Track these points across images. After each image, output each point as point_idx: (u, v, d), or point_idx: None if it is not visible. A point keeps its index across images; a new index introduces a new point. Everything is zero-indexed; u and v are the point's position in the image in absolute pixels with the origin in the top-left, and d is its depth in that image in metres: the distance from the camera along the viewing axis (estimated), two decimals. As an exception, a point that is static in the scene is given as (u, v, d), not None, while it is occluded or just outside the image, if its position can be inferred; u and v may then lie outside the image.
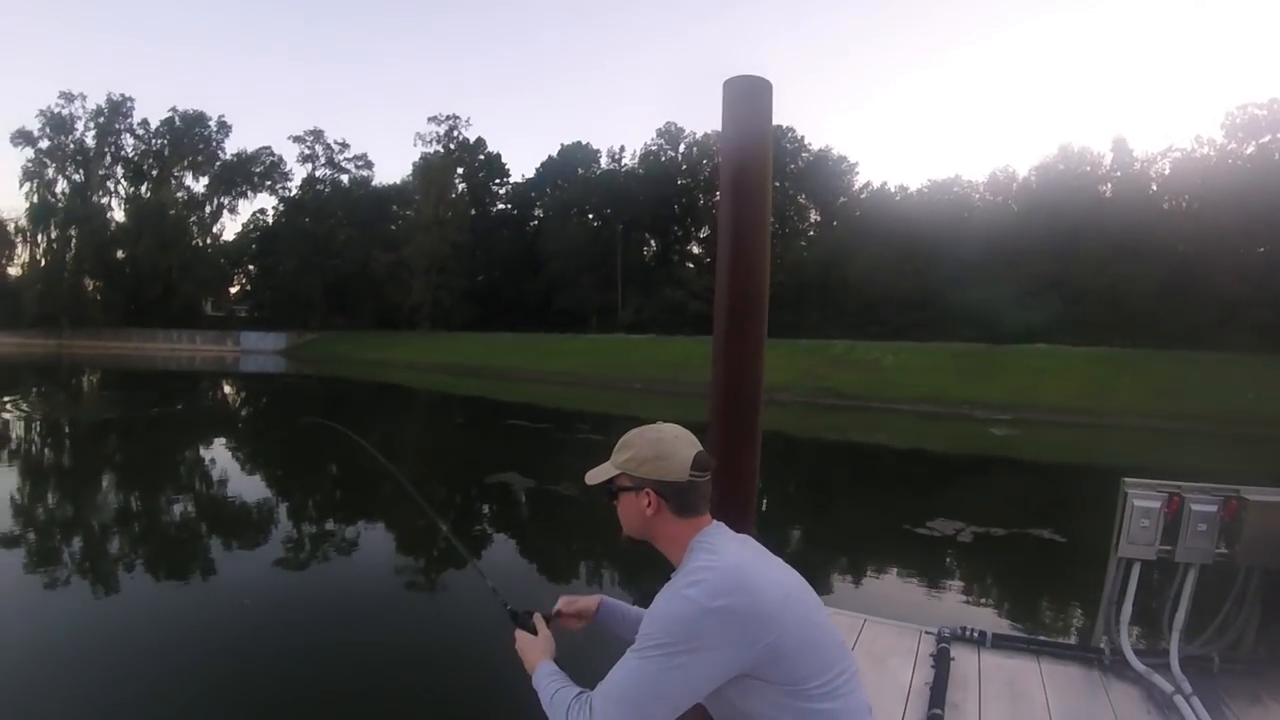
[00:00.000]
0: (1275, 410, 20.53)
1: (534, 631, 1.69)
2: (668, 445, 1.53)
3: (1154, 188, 41.60)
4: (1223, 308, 32.09)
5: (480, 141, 63.70)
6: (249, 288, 66.58)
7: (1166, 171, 41.91)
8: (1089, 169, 42.90)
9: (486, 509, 11.18)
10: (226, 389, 31.44)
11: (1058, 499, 12.68)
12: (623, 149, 60.60)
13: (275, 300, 60.88)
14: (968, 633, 4.05)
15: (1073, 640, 5.46)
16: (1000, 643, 4.01)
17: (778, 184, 53.14)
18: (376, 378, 36.36)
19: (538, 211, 62.84)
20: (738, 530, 1.59)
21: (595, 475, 1.62)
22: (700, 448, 1.55)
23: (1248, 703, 3.44)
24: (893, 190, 50.94)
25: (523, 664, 1.65)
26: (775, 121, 2.87)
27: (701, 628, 1.34)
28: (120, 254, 59.74)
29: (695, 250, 58.97)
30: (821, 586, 7.15)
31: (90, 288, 60.43)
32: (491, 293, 59.48)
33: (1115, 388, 24.09)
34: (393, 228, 61.54)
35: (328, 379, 36.13)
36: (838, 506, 12.11)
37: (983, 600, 7.11)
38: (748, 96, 2.59)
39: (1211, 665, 3.69)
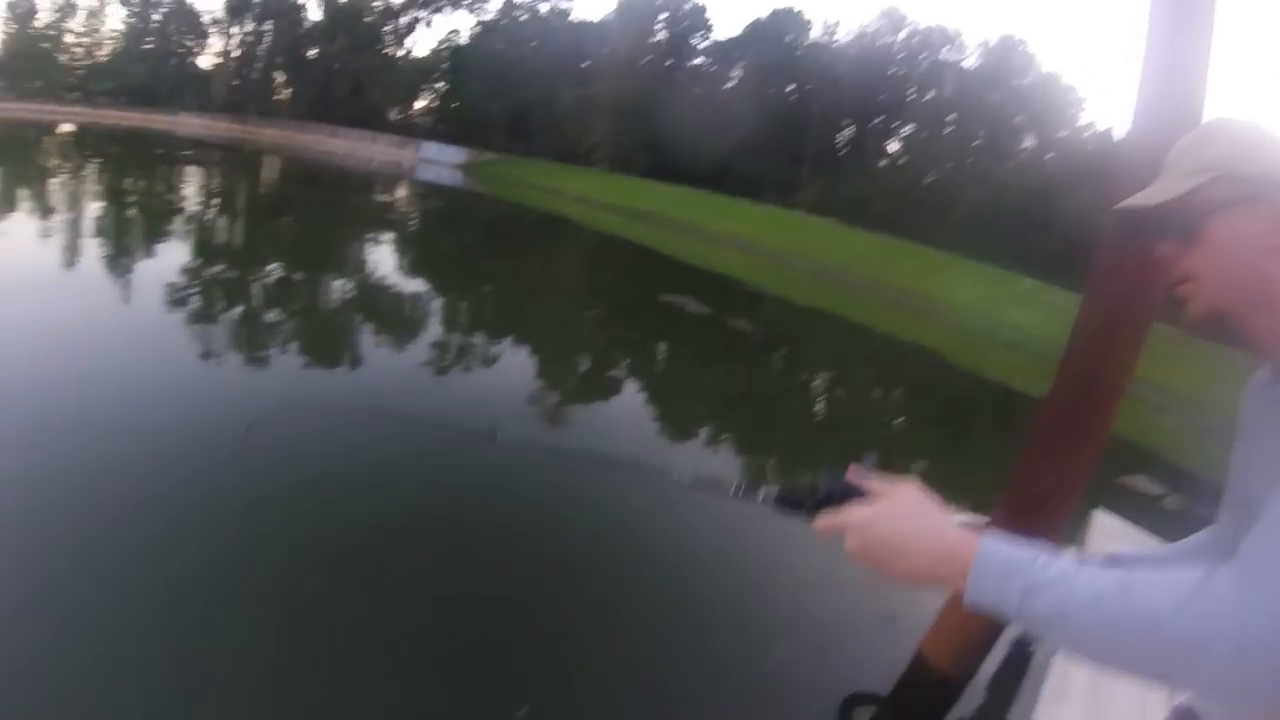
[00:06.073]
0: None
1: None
2: None
3: None
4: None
5: (686, -12, 60.19)
6: (434, 104, 66.68)
7: None
8: None
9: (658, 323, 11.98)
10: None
11: None
12: (838, 24, 56.50)
13: (459, 117, 60.84)
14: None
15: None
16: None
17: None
18: (546, 207, 35.71)
19: (735, 73, 60.23)
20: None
21: (1159, 190, 0.89)
22: None
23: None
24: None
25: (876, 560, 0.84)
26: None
27: None
28: (312, 52, 60.76)
29: (891, 148, 54.88)
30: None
31: (279, 81, 62.55)
32: (672, 145, 58.32)
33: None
34: (583, 65, 59.92)
35: (499, 201, 36.09)
36: None
37: None
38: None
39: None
